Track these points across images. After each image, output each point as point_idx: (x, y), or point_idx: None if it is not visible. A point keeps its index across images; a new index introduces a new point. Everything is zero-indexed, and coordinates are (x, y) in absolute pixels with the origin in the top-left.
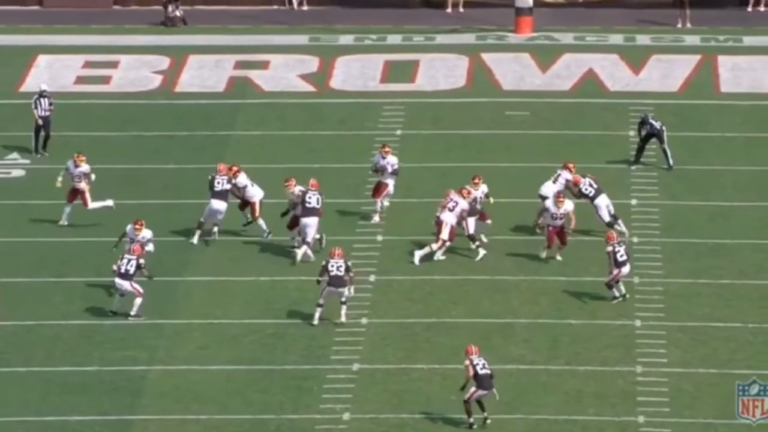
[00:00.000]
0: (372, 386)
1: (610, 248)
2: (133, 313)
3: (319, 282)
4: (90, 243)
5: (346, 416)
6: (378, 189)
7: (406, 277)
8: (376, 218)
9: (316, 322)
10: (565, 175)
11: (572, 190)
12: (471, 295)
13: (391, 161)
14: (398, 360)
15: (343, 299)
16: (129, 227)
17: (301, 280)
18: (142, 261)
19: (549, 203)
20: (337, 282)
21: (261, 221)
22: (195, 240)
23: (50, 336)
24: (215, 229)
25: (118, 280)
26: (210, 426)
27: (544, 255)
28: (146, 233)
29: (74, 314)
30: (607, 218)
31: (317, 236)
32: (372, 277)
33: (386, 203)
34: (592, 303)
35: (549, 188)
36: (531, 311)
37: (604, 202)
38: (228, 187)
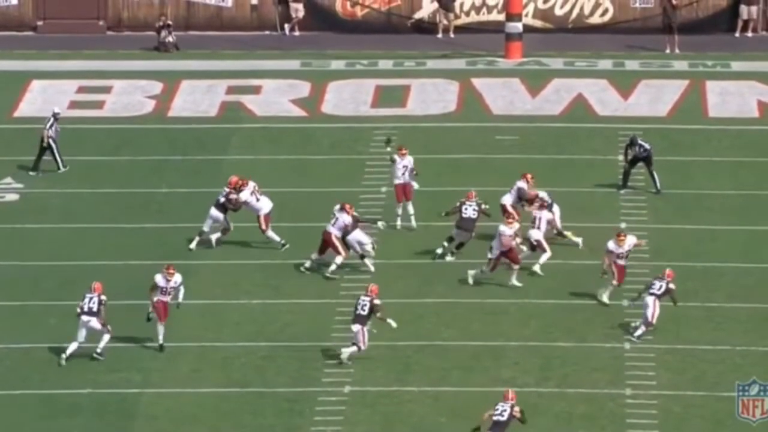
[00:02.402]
0: (363, 408)
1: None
2: (99, 350)
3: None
4: (84, 266)
5: None
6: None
7: (397, 300)
8: (398, 223)
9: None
10: (520, 184)
11: (524, 197)
12: (461, 318)
13: (407, 162)
14: (389, 382)
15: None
16: (159, 276)
17: (293, 303)
18: (103, 297)
19: (502, 227)
20: (356, 319)
21: (271, 233)
22: (193, 245)
23: (45, 359)
24: (213, 236)
25: (84, 318)
26: None
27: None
28: (178, 278)
29: (68, 337)
30: (559, 226)
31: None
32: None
33: (410, 210)
34: (582, 326)
35: (506, 199)
36: (521, 334)
37: (558, 213)
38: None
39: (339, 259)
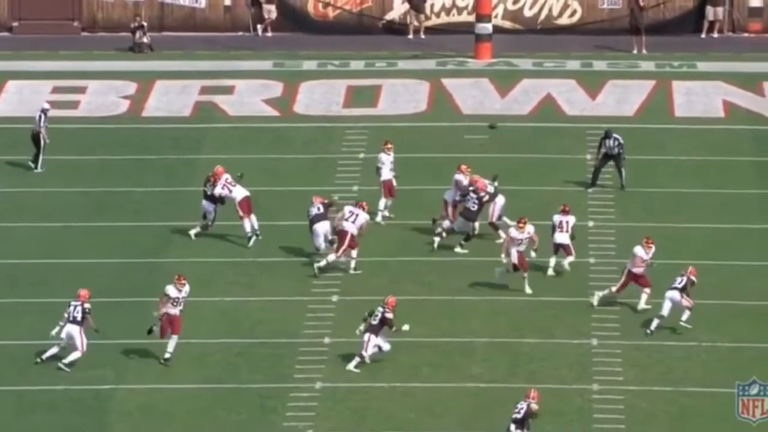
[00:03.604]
0: (334, 404)
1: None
2: (66, 361)
3: (364, 320)
4: (60, 264)
5: None
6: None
7: (368, 297)
8: (379, 218)
9: (352, 367)
10: (457, 177)
11: (462, 189)
12: (431, 316)
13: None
14: (360, 378)
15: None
16: (170, 287)
17: (265, 301)
18: (87, 306)
19: (512, 230)
20: (370, 328)
21: (246, 222)
22: (192, 233)
23: (21, 355)
24: (193, 231)
25: (68, 326)
26: None
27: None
28: (188, 288)
29: (44, 334)
30: (497, 215)
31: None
32: (335, 297)
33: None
34: (550, 323)
35: (449, 195)
36: (490, 331)
37: (501, 202)
38: (213, 190)
39: (354, 253)
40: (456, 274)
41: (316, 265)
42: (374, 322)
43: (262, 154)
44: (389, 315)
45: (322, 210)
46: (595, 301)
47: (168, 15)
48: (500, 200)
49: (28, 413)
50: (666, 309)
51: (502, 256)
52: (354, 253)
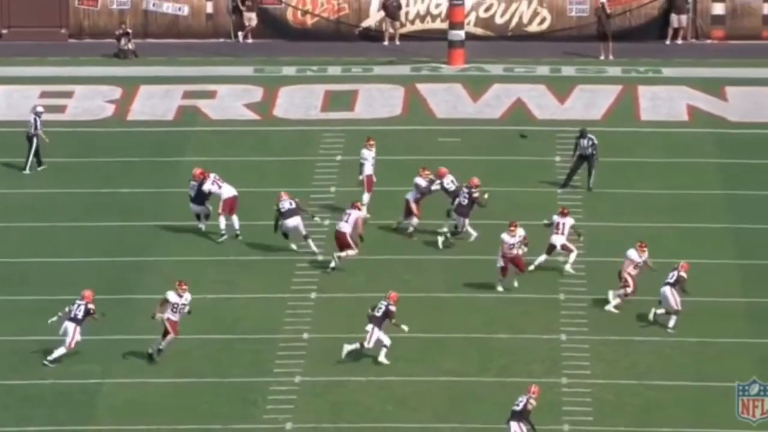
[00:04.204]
0: (313, 397)
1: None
2: (51, 357)
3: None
4: (48, 263)
5: (288, 426)
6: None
7: (346, 294)
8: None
9: (344, 352)
10: (417, 180)
11: (422, 191)
12: (407, 312)
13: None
14: (337, 373)
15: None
16: (171, 293)
17: (246, 298)
18: (91, 306)
19: (504, 235)
20: (370, 319)
21: (221, 219)
22: (203, 225)
23: (9, 351)
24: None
25: (67, 322)
26: None
27: (500, 288)
28: (188, 295)
29: (32, 330)
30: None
31: None
32: (313, 295)
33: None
34: (521, 318)
35: (410, 195)
36: (463, 327)
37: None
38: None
39: (352, 253)
40: (430, 272)
41: (330, 265)
42: (377, 314)
43: (243, 157)
44: (392, 308)
45: (294, 205)
46: (611, 305)
47: (152, 22)
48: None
49: (17, 407)
50: (673, 303)
51: (498, 261)
52: (342, 253)
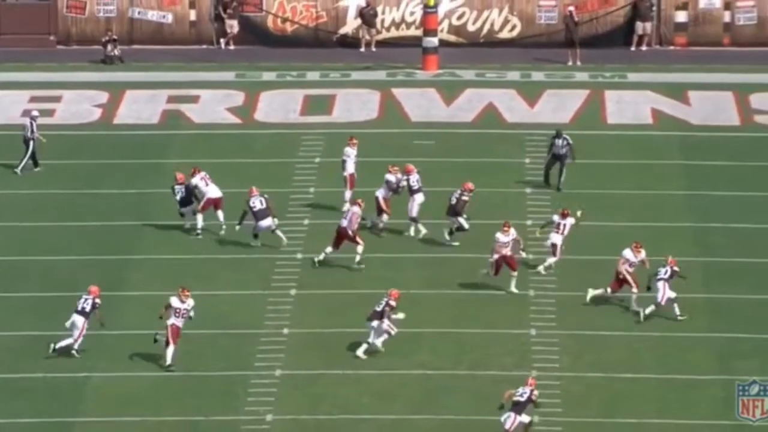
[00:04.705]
0: (293, 390)
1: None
2: (57, 346)
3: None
4: (35, 261)
5: (269, 417)
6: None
7: (324, 291)
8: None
9: (360, 354)
10: (387, 177)
11: (392, 188)
12: None
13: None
14: (316, 366)
15: (378, 334)
16: (174, 298)
17: (228, 294)
18: (98, 301)
19: (498, 234)
20: (371, 315)
21: (200, 217)
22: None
23: (0, 346)
24: (192, 225)
25: (75, 315)
26: (145, 428)
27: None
28: (191, 301)
29: (22, 326)
30: (414, 213)
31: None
32: (293, 291)
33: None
34: (492, 314)
35: (380, 193)
36: (436, 321)
37: (419, 200)
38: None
39: (360, 249)
40: (405, 269)
41: (356, 260)
42: (377, 309)
43: (225, 159)
44: (393, 303)
45: (265, 205)
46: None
47: (137, 29)
48: (418, 198)
49: (7, 400)
50: (660, 297)
51: (491, 258)
52: (329, 249)
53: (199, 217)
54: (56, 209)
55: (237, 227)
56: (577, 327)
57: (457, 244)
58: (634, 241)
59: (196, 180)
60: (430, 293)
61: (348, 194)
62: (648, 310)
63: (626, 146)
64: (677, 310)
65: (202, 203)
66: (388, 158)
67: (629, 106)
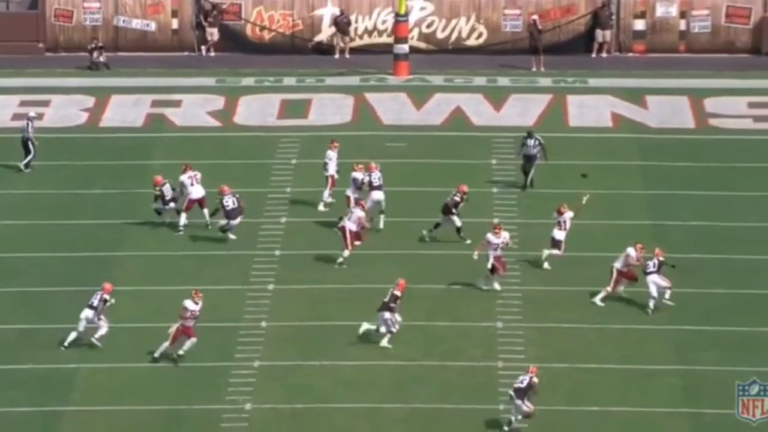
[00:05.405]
0: (271, 380)
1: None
2: (96, 336)
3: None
4: (29, 258)
5: (248, 406)
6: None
7: (301, 286)
8: (321, 207)
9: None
10: (353, 175)
11: (356, 183)
12: (358, 301)
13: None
14: (293, 357)
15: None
16: (188, 301)
17: (209, 289)
18: (106, 297)
19: (489, 234)
20: (381, 307)
21: (183, 216)
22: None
23: None
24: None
25: (85, 310)
26: (132, 416)
27: (485, 286)
28: (201, 303)
29: (16, 320)
30: (367, 205)
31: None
32: (271, 286)
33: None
34: (460, 308)
35: (349, 191)
36: (409, 315)
37: (376, 197)
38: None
39: (346, 253)
40: (378, 265)
41: (338, 261)
42: (385, 299)
43: (206, 160)
44: (398, 293)
45: (237, 204)
46: (598, 301)
47: (122, 37)
48: (375, 195)
49: (2, 390)
50: (653, 290)
51: (475, 254)
52: (346, 252)
53: (183, 216)
54: (46, 208)
55: (208, 223)
56: (542, 320)
57: (469, 241)
58: (634, 241)
59: (184, 177)
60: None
61: (327, 193)
62: (667, 295)
63: (587, 148)
64: (667, 294)
65: (185, 204)
66: (361, 159)
67: (590, 109)
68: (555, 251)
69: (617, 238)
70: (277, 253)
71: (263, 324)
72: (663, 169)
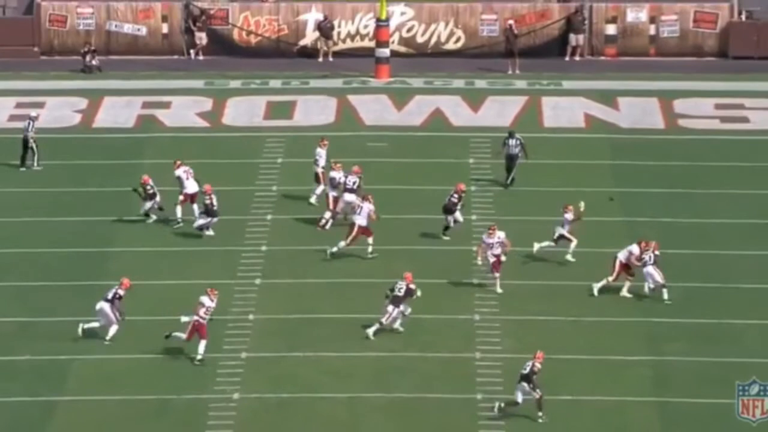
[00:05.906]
0: (257, 371)
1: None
2: (108, 337)
3: (386, 296)
4: (26, 253)
5: (235, 396)
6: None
7: (287, 280)
8: (313, 200)
9: (371, 334)
10: (331, 174)
11: (333, 182)
12: (341, 295)
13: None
14: (279, 349)
15: (396, 316)
16: (204, 297)
17: (198, 284)
18: (120, 292)
19: (483, 236)
20: (394, 300)
21: (178, 209)
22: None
23: None
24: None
25: (101, 303)
26: (124, 405)
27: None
28: (216, 300)
29: (12, 313)
30: (339, 206)
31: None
32: (257, 281)
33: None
34: (439, 301)
35: (329, 190)
36: None
37: (348, 198)
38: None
39: (342, 244)
40: (363, 260)
41: (329, 250)
42: (399, 294)
43: (195, 159)
44: (413, 286)
45: (216, 205)
46: (596, 290)
47: (114, 41)
48: (347, 197)
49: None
50: (651, 281)
51: (478, 260)
52: (370, 239)
53: (178, 209)
54: (41, 206)
55: (179, 220)
56: (518, 312)
57: (447, 238)
58: (639, 238)
59: (179, 172)
60: (383, 282)
61: (319, 189)
62: (666, 295)
63: (561, 148)
64: (665, 295)
65: (180, 198)
66: (343, 159)
67: (564, 111)
68: (572, 244)
69: (590, 235)
70: (264, 248)
71: (250, 317)
72: (633, 168)
